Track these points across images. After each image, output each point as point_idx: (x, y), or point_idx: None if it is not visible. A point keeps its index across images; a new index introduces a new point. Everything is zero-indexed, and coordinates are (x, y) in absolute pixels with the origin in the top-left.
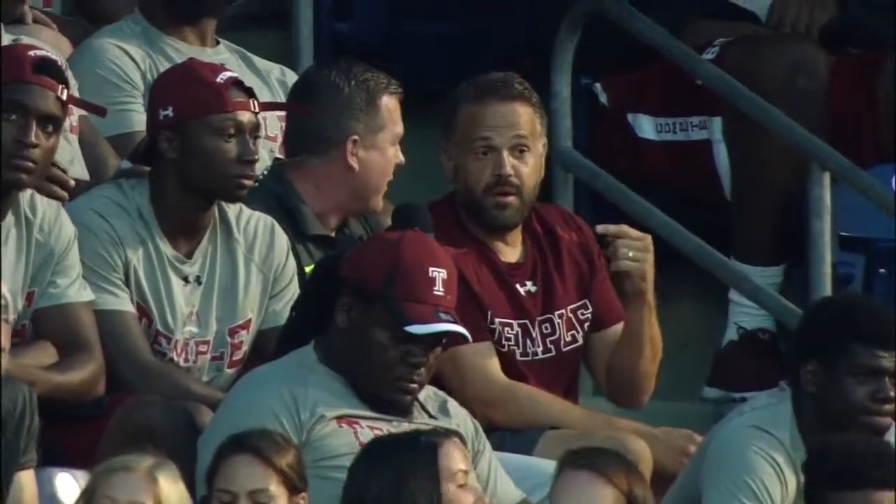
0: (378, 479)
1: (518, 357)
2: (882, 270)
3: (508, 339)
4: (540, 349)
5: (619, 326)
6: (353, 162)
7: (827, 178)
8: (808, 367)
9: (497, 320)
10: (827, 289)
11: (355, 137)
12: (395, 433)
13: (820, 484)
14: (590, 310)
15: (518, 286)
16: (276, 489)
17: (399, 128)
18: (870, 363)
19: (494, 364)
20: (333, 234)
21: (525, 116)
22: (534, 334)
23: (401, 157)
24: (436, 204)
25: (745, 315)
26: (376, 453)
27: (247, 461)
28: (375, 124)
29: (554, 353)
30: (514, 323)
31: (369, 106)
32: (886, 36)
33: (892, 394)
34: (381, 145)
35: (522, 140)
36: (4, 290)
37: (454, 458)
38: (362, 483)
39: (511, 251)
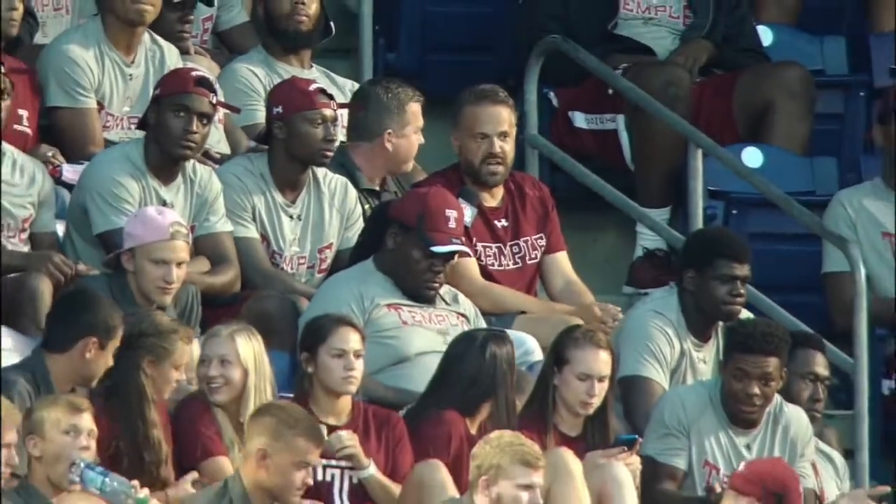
0: (473, 352)
1: (496, 268)
2: (734, 212)
3: (488, 256)
4: (510, 262)
5: (562, 253)
6: (389, 146)
7: (699, 152)
8: (688, 274)
9: (479, 244)
10: (699, 223)
11: (389, 130)
12: (479, 328)
13: (732, 348)
14: (544, 240)
15: (495, 221)
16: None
17: (420, 122)
18: (728, 272)
19: (476, 271)
20: (378, 188)
21: (505, 114)
22: (506, 252)
23: (421, 140)
24: (447, 169)
25: (647, 240)
26: (468, 337)
27: None
28: (403, 122)
29: (521, 265)
30: (493, 245)
31: (399, 110)
32: (740, 66)
33: (742, 291)
34: (407, 135)
35: (505, 130)
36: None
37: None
38: (457, 354)
39: (493, 200)
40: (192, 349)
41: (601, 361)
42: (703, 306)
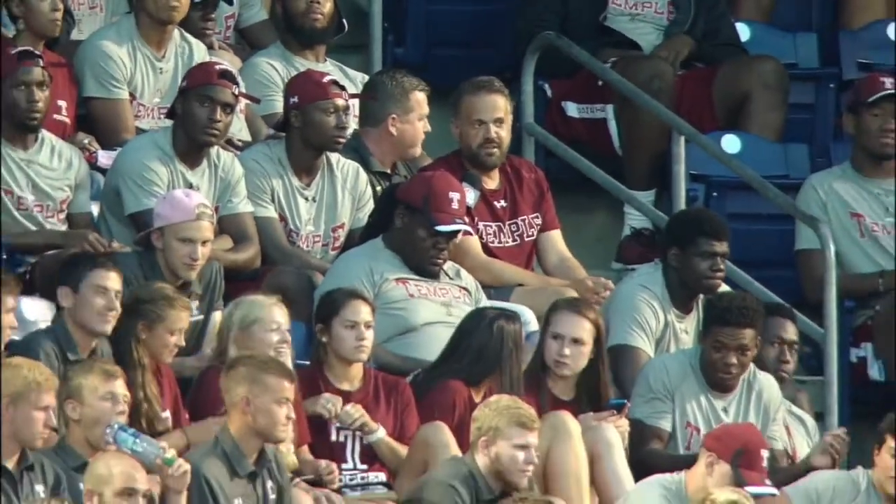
0: (482, 328)
1: (496, 244)
2: (714, 194)
3: (489, 234)
4: (510, 240)
5: (556, 232)
6: (393, 131)
7: (682, 139)
8: (672, 251)
9: (480, 223)
10: (682, 205)
11: (394, 116)
12: (489, 306)
13: (711, 321)
14: (540, 219)
15: (495, 202)
16: (373, 317)
17: (424, 110)
18: (708, 249)
19: (478, 247)
20: (389, 171)
21: (501, 103)
22: (505, 231)
23: (428, 128)
24: (450, 155)
25: (634, 219)
26: (480, 314)
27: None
28: (407, 108)
29: (519, 242)
30: (493, 224)
31: (403, 97)
32: (720, 59)
33: (721, 267)
34: (411, 121)
35: (500, 117)
36: (210, 205)
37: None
38: (468, 329)
39: (492, 182)
40: (216, 319)
41: (575, 324)
42: (685, 281)
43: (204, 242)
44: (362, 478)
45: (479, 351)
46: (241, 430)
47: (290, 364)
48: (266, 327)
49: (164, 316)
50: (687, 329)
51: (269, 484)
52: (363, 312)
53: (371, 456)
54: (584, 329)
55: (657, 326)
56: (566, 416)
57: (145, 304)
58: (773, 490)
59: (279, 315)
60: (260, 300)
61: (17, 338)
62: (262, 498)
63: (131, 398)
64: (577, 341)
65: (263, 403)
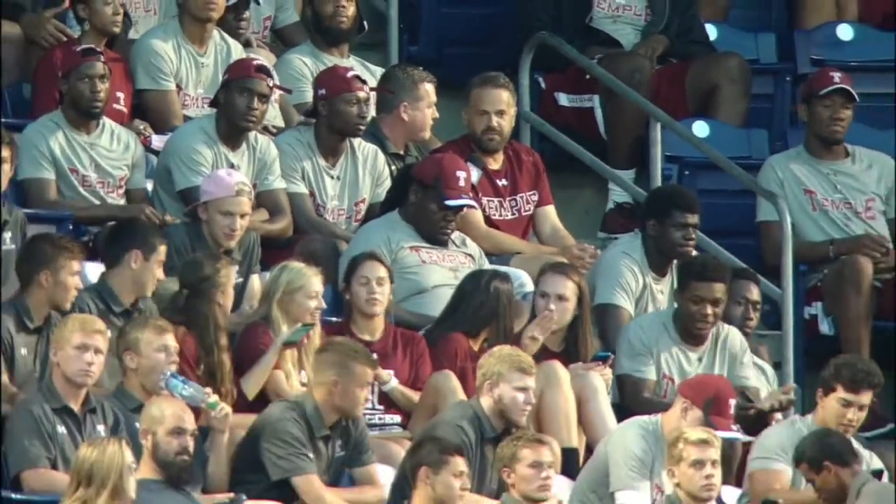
0: (480, 287)
1: (498, 217)
2: (686, 173)
3: (491, 208)
4: (509, 213)
5: (550, 207)
6: (405, 117)
7: (658, 125)
8: (650, 223)
9: (483, 198)
10: (658, 182)
11: (405, 104)
12: (486, 268)
13: (688, 277)
14: (537, 196)
15: (497, 180)
16: (387, 276)
17: (432, 98)
18: (681, 220)
19: (481, 220)
20: (402, 153)
21: (504, 96)
22: (505, 205)
23: (435, 114)
24: (459, 139)
25: (617, 195)
26: (477, 275)
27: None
28: (416, 97)
29: (517, 215)
30: (495, 199)
31: (413, 87)
32: (692, 56)
33: (693, 236)
34: (421, 108)
35: (502, 108)
36: (249, 182)
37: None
38: (467, 288)
39: (495, 163)
40: (254, 281)
41: (559, 283)
42: (661, 248)
43: (242, 215)
44: (380, 419)
45: (477, 307)
46: (325, 403)
47: (318, 324)
48: (308, 294)
49: (217, 283)
50: (662, 290)
51: (339, 442)
52: (375, 270)
53: (388, 400)
54: (568, 287)
55: (637, 287)
56: (557, 365)
57: (210, 278)
58: (739, 435)
59: (318, 284)
60: (305, 269)
61: None
62: (330, 457)
63: (218, 363)
64: (561, 298)
65: (349, 388)
